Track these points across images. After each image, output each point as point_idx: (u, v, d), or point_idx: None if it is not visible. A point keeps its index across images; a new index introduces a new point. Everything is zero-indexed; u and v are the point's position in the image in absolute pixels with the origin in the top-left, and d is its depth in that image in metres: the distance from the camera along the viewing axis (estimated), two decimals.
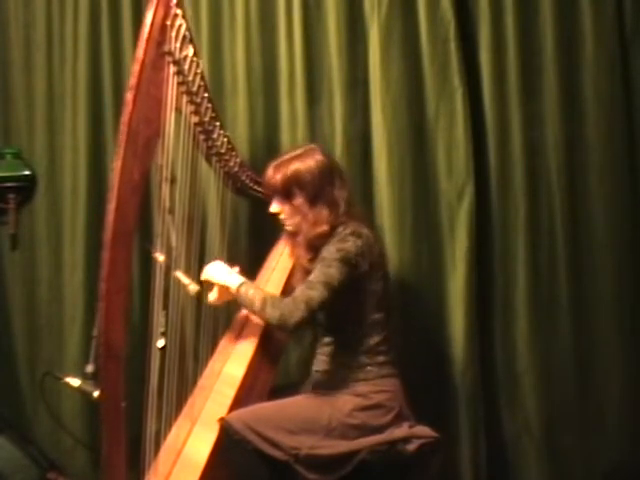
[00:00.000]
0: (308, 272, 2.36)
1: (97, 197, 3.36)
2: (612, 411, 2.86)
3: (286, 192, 2.41)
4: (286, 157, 2.46)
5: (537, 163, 2.92)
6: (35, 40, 3.47)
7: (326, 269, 2.29)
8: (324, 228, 2.37)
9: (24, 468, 3.07)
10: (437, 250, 2.95)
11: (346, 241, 2.32)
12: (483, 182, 2.94)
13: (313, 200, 2.39)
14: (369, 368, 2.37)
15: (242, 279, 2.43)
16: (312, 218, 2.38)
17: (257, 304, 2.33)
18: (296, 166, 2.40)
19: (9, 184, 3.43)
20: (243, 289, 2.39)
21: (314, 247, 2.39)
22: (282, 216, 2.47)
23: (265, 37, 3.17)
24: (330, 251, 2.32)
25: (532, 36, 2.91)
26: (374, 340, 2.38)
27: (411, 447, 2.31)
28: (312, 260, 2.38)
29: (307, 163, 2.41)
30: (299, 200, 2.40)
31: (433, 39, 2.93)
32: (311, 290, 2.27)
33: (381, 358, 2.39)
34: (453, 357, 2.90)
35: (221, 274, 2.46)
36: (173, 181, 2.32)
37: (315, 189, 2.39)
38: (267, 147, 3.13)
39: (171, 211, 2.34)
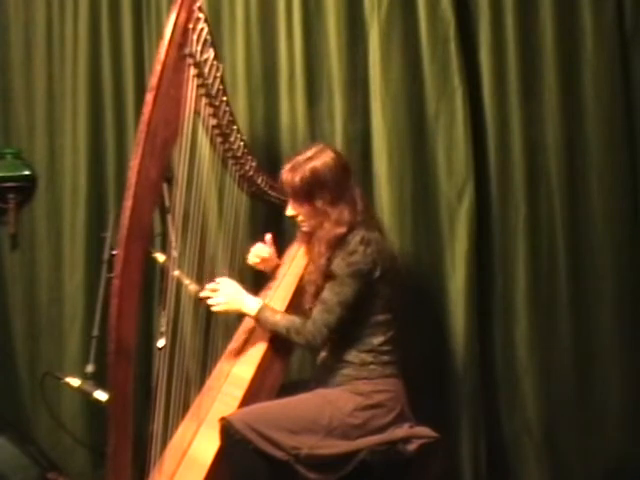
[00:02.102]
0: (322, 271, 2.37)
1: (97, 197, 3.38)
2: (612, 411, 2.86)
3: (307, 193, 2.39)
4: (300, 158, 2.43)
5: (537, 163, 2.92)
6: (35, 40, 3.48)
7: (339, 288, 2.32)
8: (343, 230, 2.36)
9: (24, 468, 3.07)
10: (437, 250, 2.95)
11: (355, 252, 2.32)
12: (483, 182, 2.94)
13: (334, 200, 2.38)
14: (373, 367, 2.37)
15: (259, 303, 2.43)
16: (335, 218, 2.37)
17: (281, 331, 2.38)
18: (313, 164, 2.39)
19: (9, 184, 3.44)
20: (263, 316, 2.41)
21: (333, 246, 2.37)
22: (300, 218, 2.47)
23: (265, 37, 3.17)
24: (341, 267, 2.33)
25: (532, 36, 2.91)
26: (378, 340, 2.38)
27: (411, 447, 2.31)
28: (329, 259, 2.36)
29: (324, 160, 2.40)
30: (320, 201, 2.39)
31: (433, 39, 2.93)
32: (329, 314, 2.32)
33: (385, 358, 2.39)
34: (453, 357, 2.90)
35: (235, 301, 2.44)
36: (172, 181, 2.33)
37: (336, 187, 2.39)
38: (267, 147, 3.14)
39: (171, 211, 2.35)
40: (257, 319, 2.43)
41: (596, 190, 2.88)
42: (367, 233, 2.36)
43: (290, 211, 2.48)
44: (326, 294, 2.34)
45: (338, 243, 2.36)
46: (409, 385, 2.44)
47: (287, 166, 2.45)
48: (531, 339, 2.89)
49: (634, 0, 2.86)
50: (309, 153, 2.44)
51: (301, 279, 2.55)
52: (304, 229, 2.50)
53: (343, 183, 2.41)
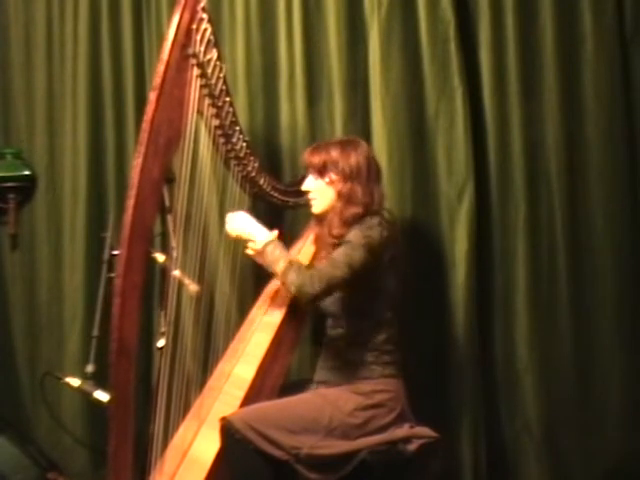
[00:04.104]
0: (332, 249, 2.37)
1: (97, 197, 3.38)
2: (612, 411, 2.86)
3: (322, 168, 2.42)
4: (329, 141, 2.51)
5: (537, 163, 2.92)
6: (35, 40, 3.49)
7: (351, 251, 2.30)
8: (358, 209, 2.37)
9: (24, 468, 3.07)
10: (437, 250, 2.95)
11: (373, 228, 2.34)
12: (483, 182, 2.94)
13: (348, 178, 2.40)
14: (373, 367, 2.37)
15: (270, 236, 2.42)
16: (346, 194, 2.39)
17: (282, 265, 2.34)
18: (336, 154, 2.42)
19: (9, 184, 3.44)
20: (270, 247, 2.39)
21: (348, 223, 2.37)
22: (312, 195, 2.48)
23: (265, 37, 3.17)
24: (357, 236, 2.33)
25: (532, 36, 2.91)
26: (381, 338, 2.38)
27: (411, 447, 2.31)
28: (341, 237, 2.36)
29: (347, 154, 2.42)
30: (334, 177, 2.42)
31: (433, 39, 2.93)
32: (335, 269, 2.29)
33: (386, 358, 2.39)
34: (453, 357, 2.90)
35: (247, 226, 2.45)
36: (172, 180, 2.33)
37: (351, 170, 2.40)
38: (267, 147, 3.14)
39: (171, 211, 2.35)
40: (262, 250, 2.39)
41: (596, 190, 2.88)
42: (384, 222, 2.37)
43: (306, 185, 2.49)
44: (336, 253, 2.33)
45: (354, 222, 2.37)
46: (409, 385, 2.44)
47: (313, 145, 2.51)
48: (531, 339, 2.90)
49: (634, 1, 2.86)
50: (338, 140, 2.51)
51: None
52: (313, 210, 2.50)
53: (361, 171, 2.41)
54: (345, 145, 2.45)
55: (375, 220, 2.36)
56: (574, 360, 2.88)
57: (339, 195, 2.41)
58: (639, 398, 2.85)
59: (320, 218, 2.51)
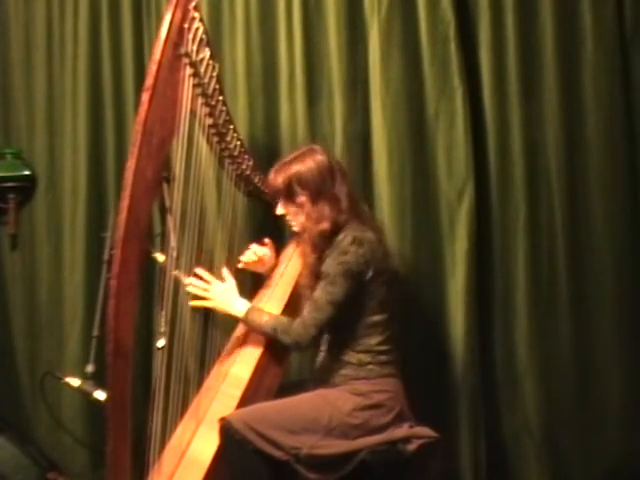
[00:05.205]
0: (312, 272, 2.40)
1: (97, 197, 3.38)
2: (612, 411, 2.86)
3: (288, 192, 2.45)
4: (286, 159, 2.50)
5: (537, 163, 2.92)
6: (35, 40, 3.49)
7: (330, 287, 2.33)
8: (325, 226, 2.39)
9: (24, 468, 3.07)
10: (437, 250, 2.95)
11: (347, 253, 2.34)
12: (483, 182, 2.93)
13: (315, 198, 2.42)
14: (371, 367, 2.37)
15: (247, 305, 2.45)
16: (315, 215, 2.41)
17: (268, 332, 2.39)
18: (296, 168, 2.44)
19: (9, 184, 3.44)
20: (250, 318, 2.42)
21: (318, 245, 2.40)
22: (288, 217, 2.51)
23: (265, 37, 3.17)
24: (332, 266, 2.34)
25: (532, 36, 2.91)
26: (375, 340, 2.38)
27: (411, 447, 2.31)
28: (317, 259, 2.39)
29: (307, 164, 2.44)
30: (301, 199, 2.43)
31: (433, 39, 2.93)
32: (319, 313, 2.32)
33: (383, 358, 2.39)
34: (453, 357, 2.89)
35: (223, 302, 2.47)
36: (172, 180, 2.33)
37: (317, 187, 2.42)
38: (267, 147, 3.14)
39: (171, 211, 2.36)
40: (244, 321, 2.45)
41: (596, 190, 2.88)
42: (359, 233, 2.37)
43: (279, 210, 2.52)
44: (317, 293, 2.35)
45: (323, 241, 2.39)
46: (409, 385, 2.45)
47: (274, 167, 2.51)
48: (531, 339, 2.89)
49: (634, 1, 2.86)
50: (295, 154, 2.50)
51: (297, 281, 2.55)
52: (294, 229, 2.53)
53: (325, 183, 2.43)
54: (302, 156, 2.47)
55: (349, 238, 2.35)
56: (574, 360, 2.88)
57: (308, 217, 2.43)
58: (639, 398, 2.85)
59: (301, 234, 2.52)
